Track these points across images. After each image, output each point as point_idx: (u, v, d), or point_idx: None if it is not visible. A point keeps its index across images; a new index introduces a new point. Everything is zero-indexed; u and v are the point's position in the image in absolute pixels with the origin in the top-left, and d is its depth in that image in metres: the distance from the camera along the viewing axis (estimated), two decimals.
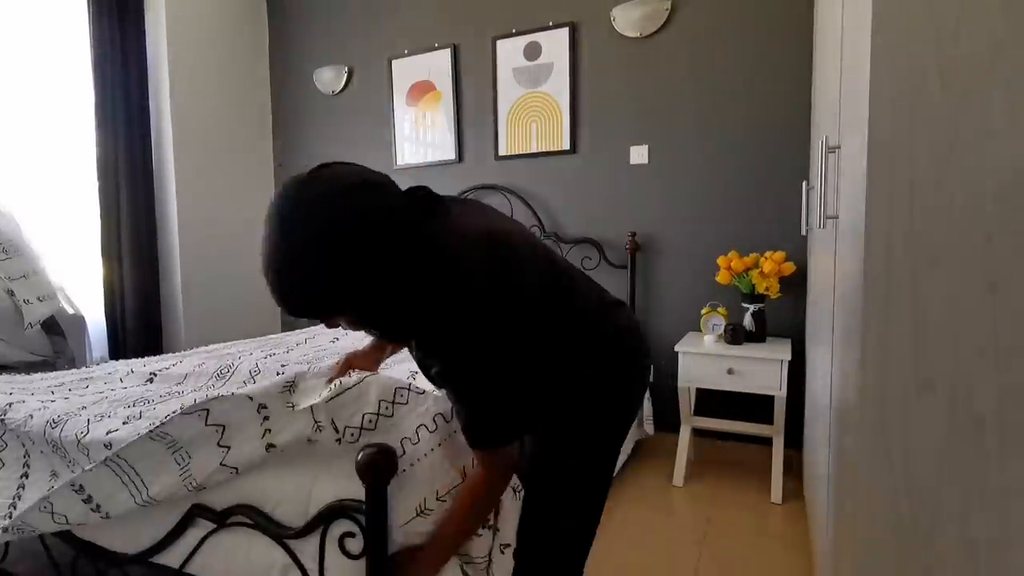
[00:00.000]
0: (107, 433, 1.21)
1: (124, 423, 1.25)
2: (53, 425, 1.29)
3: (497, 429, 0.94)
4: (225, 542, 1.13)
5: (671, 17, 2.53)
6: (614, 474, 1.14)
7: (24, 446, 1.36)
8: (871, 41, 0.73)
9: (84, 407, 1.37)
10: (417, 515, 1.02)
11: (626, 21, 2.58)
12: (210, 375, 1.72)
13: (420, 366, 0.97)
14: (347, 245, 0.77)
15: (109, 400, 1.46)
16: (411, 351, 1.02)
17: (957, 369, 0.70)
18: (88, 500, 1.13)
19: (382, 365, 1.30)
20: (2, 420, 1.40)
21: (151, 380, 1.73)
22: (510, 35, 2.85)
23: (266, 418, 1.09)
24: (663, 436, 2.59)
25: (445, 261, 0.86)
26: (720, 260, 2.37)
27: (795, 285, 2.34)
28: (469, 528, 1.04)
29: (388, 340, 1.02)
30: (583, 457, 1.06)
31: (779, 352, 2.14)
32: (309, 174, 0.80)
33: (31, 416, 1.35)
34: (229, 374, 1.73)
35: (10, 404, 1.42)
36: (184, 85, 3.11)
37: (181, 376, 1.74)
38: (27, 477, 1.34)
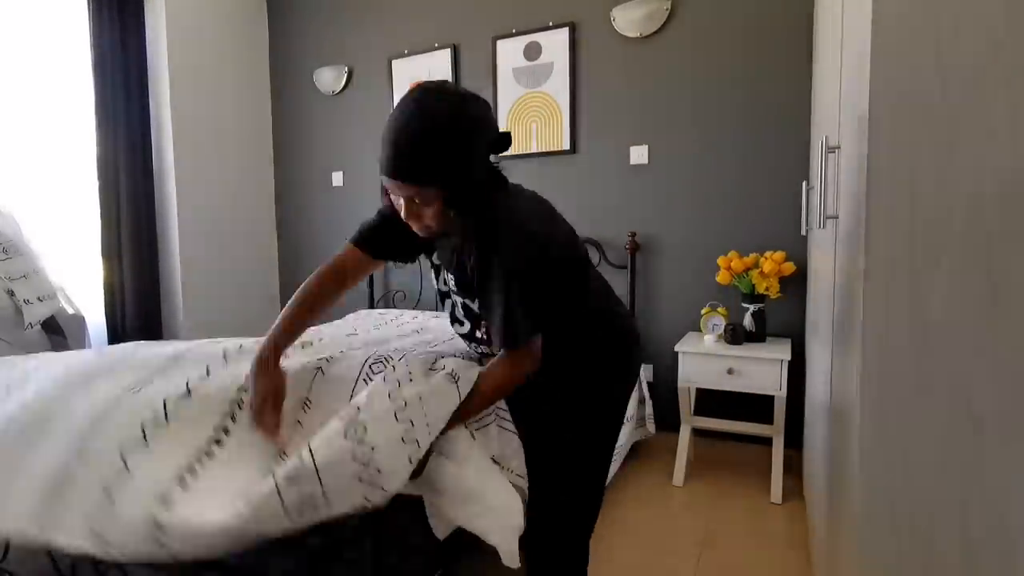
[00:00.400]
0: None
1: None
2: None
3: (537, 323, 1.06)
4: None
5: (671, 17, 2.53)
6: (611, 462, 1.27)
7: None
8: (871, 41, 0.73)
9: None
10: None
11: (626, 21, 2.58)
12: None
13: (461, 276, 1.10)
14: (470, 134, 0.96)
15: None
16: (448, 270, 1.16)
17: (957, 369, 0.70)
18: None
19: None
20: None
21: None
22: (510, 35, 2.85)
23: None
24: (663, 436, 2.59)
25: (516, 189, 1.09)
26: (720, 260, 2.37)
27: (795, 285, 2.34)
28: (492, 400, 1.15)
29: (457, 235, 1.08)
30: (588, 433, 1.20)
31: (779, 352, 2.14)
32: (441, 81, 1.02)
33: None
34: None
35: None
36: (184, 85, 3.11)
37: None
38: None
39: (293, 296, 1.21)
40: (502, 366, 1.09)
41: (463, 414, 1.10)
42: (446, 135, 0.94)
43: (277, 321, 1.18)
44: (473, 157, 0.97)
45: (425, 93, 0.96)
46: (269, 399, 1.09)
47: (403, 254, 1.22)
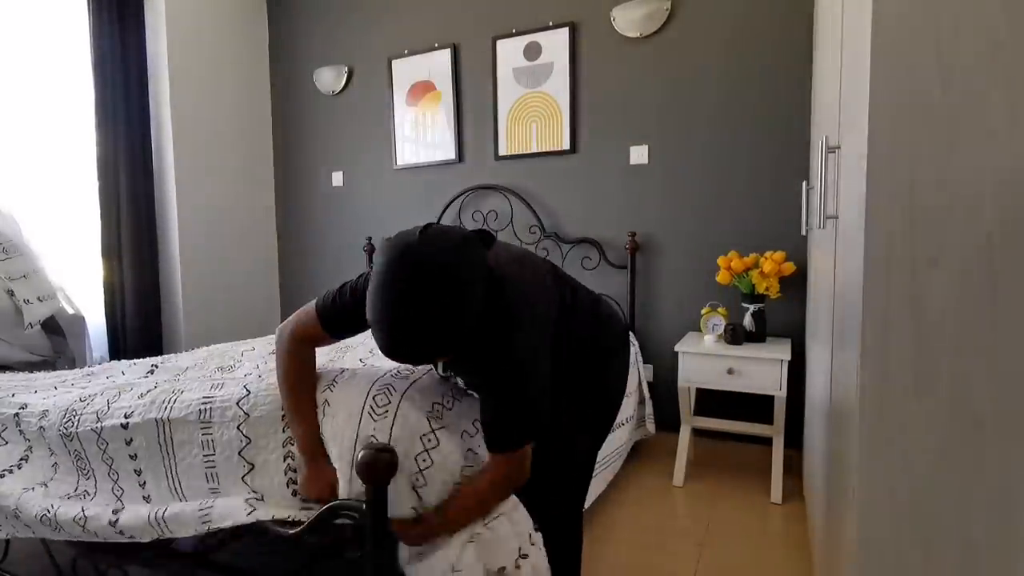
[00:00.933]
0: (125, 416, 1.23)
1: (139, 397, 1.26)
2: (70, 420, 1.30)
3: (536, 426, 1.03)
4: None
5: (671, 17, 2.53)
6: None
7: (52, 450, 1.36)
8: (871, 41, 0.73)
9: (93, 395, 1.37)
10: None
11: (626, 21, 2.58)
12: (212, 368, 1.72)
13: (465, 382, 1.15)
14: (461, 293, 0.88)
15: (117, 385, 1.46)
16: (439, 371, 1.20)
17: (957, 369, 0.70)
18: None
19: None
20: (16, 415, 1.40)
21: (151, 372, 1.73)
22: (510, 35, 2.85)
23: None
24: (663, 436, 2.59)
25: (504, 282, 1.00)
26: (720, 260, 2.37)
27: (795, 285, 2.34)
28: (475, 514, 1.06)
29: (456, 368, 1.12)
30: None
31: (779, 352, 2.14)
32: (419, 239, 0.90)
33: (46, 413, 1.35)
34: (232, 368, 1.72)
35: (25, 405, 1.42)
36: (184, 85, 3.11)
37: (182, 368, 1.74)
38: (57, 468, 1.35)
39: (292, 384, 1.15)
40: (492, 471, 1.04)
41: (436, 527, 1.03)
42: (444, 321, 0.87)
43: (295, 416, 1.13)
44: (471, 314, 0.91)
45: (413, 271, 0.87)
46: (325, 497, 1.07)
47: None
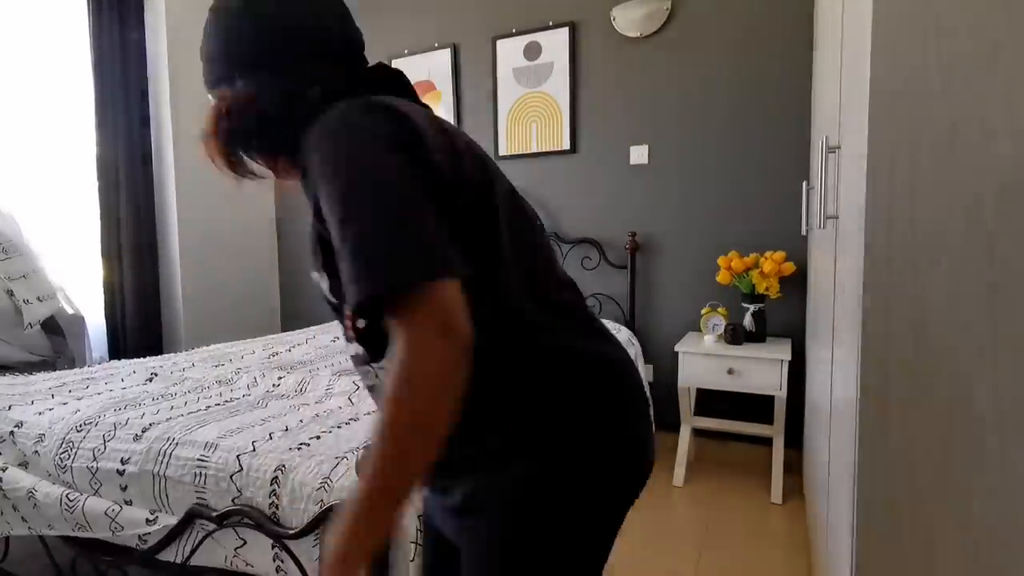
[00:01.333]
0: (122, 463, 1.24)
1: (135, 440, 1.26)
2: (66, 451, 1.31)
3: (420, 249, 0.55)
4: (225, 542, 1.13)
5: (671, 17, 2.53)
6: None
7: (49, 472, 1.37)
8: (871, 41, 0.73)
9: (92, 420, 1.37)
10: None
11: (626, 21, 2.58)
12: (212, 380, 1.72)
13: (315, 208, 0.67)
14: (259, 19, 0.73)
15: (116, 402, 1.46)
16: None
17: (957, 369, 0.70)
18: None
19: None
20: (11, 433, 1.40)
21: (151, 380, 1.73)
22: (510, 35, 2.85)
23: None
24: (663, 436, 2.59)
25: (357, 92, 0.69)
26: (720, 260, 2.37)
27: (795, 285, 2.34)
28: (415, 425, 0.54)
29: (266, 149, 0.82)
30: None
31: (779, 352, 2.14)
32: None
33: (42, 437, 1.36)
34: (231, 380, 1.73)
35: (21, 423, 1.42)
36: (184, 85, 3.10)
37: (181, 376, 1.74)
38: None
39: None
40: (398, 348, 0.54)
41: (380, 438, 0.54)
42: (226, 18, 0.75)
43: None
44: (262, 51, 0.74)
45: None
46: None
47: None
